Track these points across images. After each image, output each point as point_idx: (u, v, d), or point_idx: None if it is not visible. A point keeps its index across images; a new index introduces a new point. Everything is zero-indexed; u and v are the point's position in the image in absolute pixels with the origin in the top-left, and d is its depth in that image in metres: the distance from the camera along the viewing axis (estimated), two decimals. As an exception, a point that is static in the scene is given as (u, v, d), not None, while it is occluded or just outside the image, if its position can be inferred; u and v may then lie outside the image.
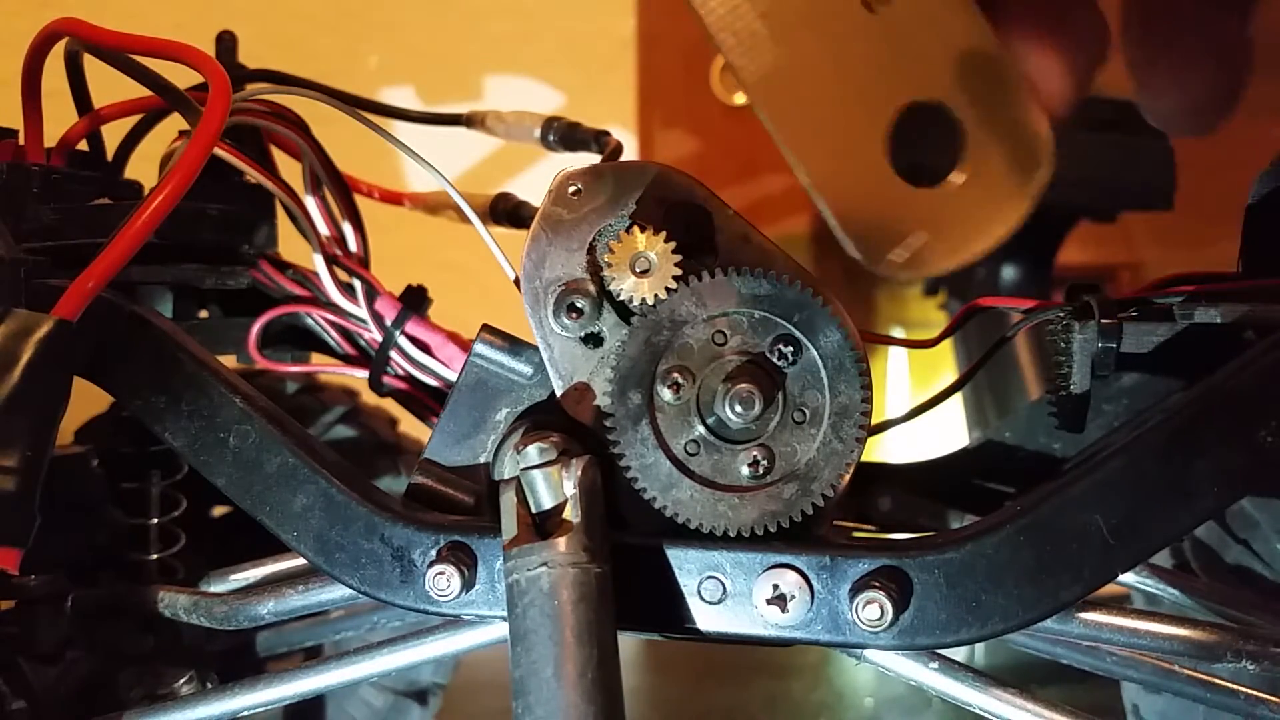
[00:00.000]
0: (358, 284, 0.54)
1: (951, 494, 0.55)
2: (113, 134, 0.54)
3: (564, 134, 0.60)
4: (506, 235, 0.53)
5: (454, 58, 1.29)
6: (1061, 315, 0.45)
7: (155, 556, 0.62)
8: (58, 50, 0.47)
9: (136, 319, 0.43)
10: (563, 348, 0.41)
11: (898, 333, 1.27)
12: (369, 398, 0.63)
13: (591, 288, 0.40)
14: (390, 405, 0.61)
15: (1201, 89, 0.35)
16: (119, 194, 0.53)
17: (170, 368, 0.42)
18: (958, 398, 0.67)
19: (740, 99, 1.22)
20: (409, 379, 0.55)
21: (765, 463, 0.38)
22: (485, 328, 0.44)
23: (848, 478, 0.38)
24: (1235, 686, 0.42)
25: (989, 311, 0.49)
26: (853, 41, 0.30)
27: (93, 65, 0.47)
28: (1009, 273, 1.05)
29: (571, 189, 0.41)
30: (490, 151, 1.12)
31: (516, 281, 0.41)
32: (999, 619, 0.37)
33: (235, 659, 0.63)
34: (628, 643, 0.41)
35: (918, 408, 0.58)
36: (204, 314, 0.60)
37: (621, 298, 0.39)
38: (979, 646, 0.85)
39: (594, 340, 0.41)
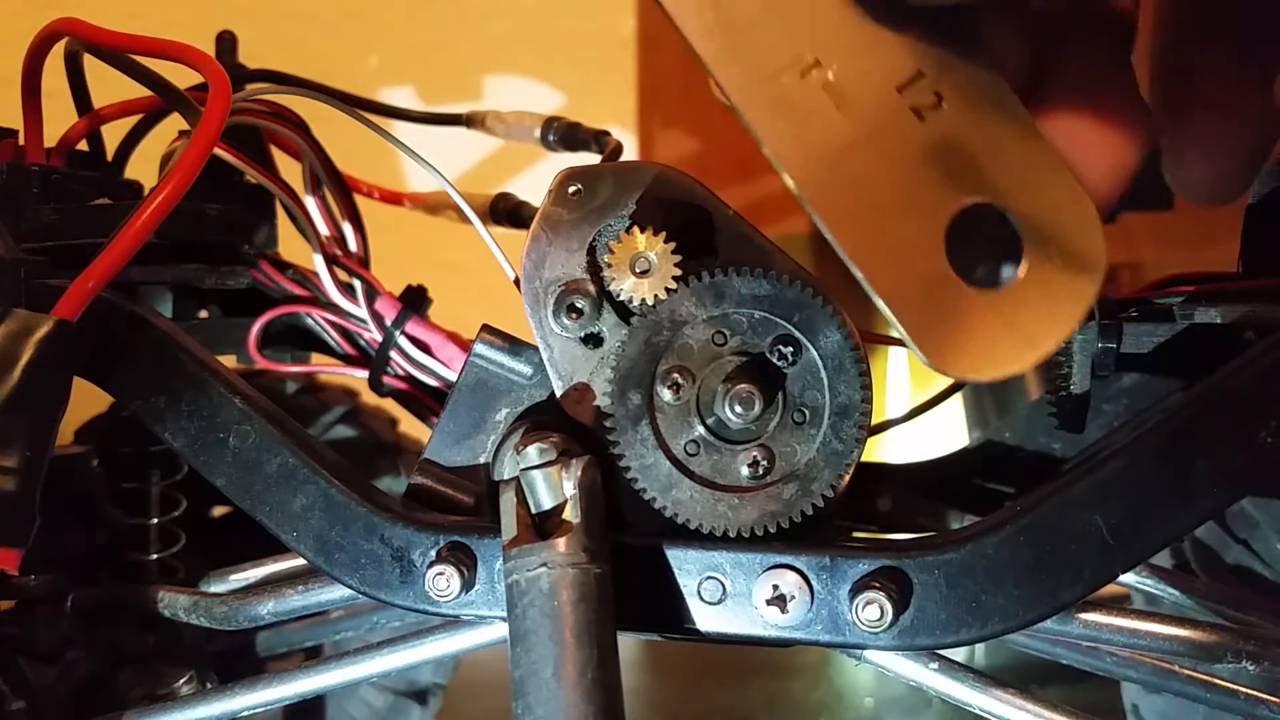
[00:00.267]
0: (358, 284, 0.54)
1: (951, 494, 0.55)
2: (113, 134, 0.55)
3: (564, 134, 0.61)
4: (506, 235, 0.53)
5: (454, 58, 1.29)
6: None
7: (155, 556, 0.62)
8: (58, 50, 0.47)
9: (136, 319, 0.43)
10: (563, 348, 0.41)
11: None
12: (369, 398, 0.63)
13: (591, 288, 0.40)
14: (390, 405, 0.61)
15: (1230, 163, 0.35)
16: (119, 194, 0.53)
17: (170, 368, 0.42)
18: (958, 398, 0.67)
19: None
20: (409, 379, 0.55)
21: (765, 463, 0.38)
22: (485, 328, 0.44)
23: (848, 478, 0.38)
24: (1235, 686, 0.42)
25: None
26: (908, 151, 0.30)
27: (93, 65, 0.47)
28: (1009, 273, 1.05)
29: (571, 189, 0.40)
30: (490, 151, 1.12)
31: (516, 281, 0.41)
32: (999, 619, 0.36)
33: (235, 659, 0.63)
34: (627, 643, 0.41)
35: (918, 408, 0.58)
36: (204, 314, 0.60)
37: (621, 298, 0.39)
38: (979, 646, 0.85)
39: (594, 340, 0.40)
